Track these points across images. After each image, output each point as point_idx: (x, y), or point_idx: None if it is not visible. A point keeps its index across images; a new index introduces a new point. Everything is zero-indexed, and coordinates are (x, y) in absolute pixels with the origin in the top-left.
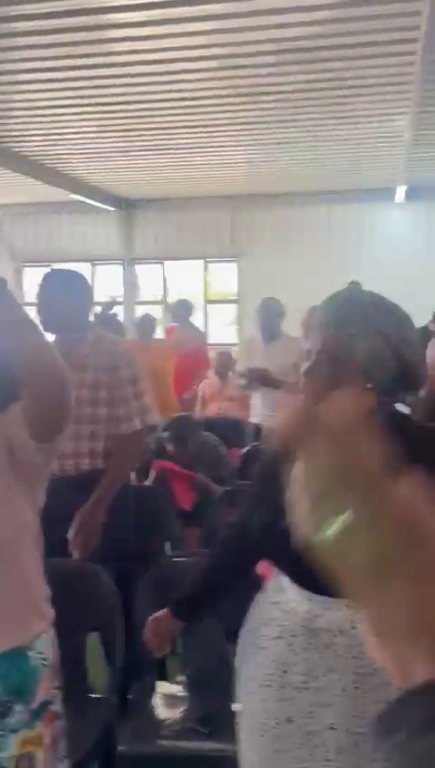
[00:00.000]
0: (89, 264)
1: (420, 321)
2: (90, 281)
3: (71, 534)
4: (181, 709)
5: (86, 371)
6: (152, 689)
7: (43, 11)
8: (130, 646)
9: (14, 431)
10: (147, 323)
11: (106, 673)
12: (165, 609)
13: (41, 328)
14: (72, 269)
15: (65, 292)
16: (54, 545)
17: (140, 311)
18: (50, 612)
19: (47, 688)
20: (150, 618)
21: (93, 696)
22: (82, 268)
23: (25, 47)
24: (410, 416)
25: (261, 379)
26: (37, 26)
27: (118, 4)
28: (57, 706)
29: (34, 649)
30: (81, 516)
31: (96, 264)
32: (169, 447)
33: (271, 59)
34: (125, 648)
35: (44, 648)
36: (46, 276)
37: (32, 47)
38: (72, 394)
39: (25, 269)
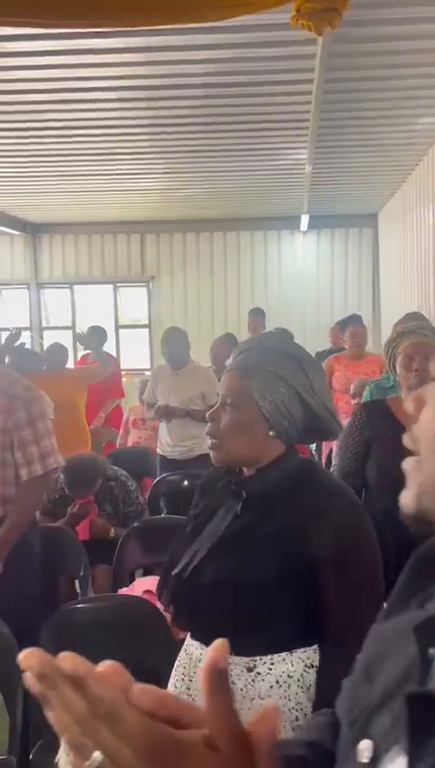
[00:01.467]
0: None
1: (322, 337)
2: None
3: None
4: None
5: None
6: (54, 749)
7: None
8: (30, 703)
9: None
10: (57, 353)
11: (6, 731)
12: None
13: None
14: None
15: None
16: None
17: (48, 336)
18: None
19: None
20: None
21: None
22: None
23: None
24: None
25: (168, 413)
26: None
27: (13, 32)
28: None
29: None
30: None
31: (3, 289)
32: (69, 492)
33: (180, 92)
34: (25, 706)
35: None
36: None
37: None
38: None
39: None
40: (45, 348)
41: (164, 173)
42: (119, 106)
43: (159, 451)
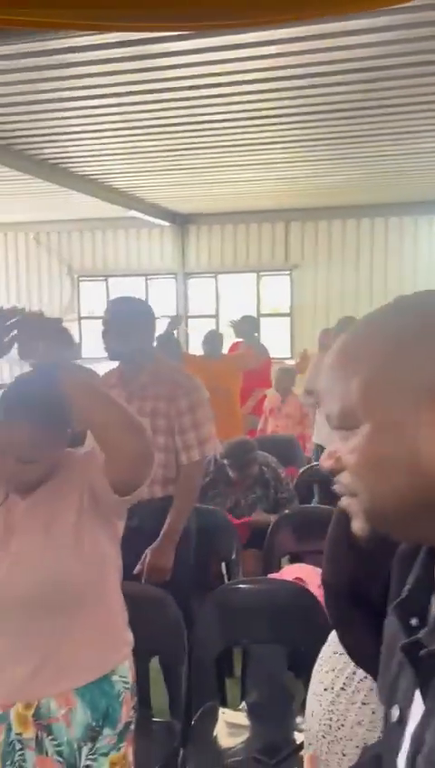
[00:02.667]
0: (143, 279)
1: None
2: (144, 295)
3: (140, 569)
4: (243, 738)
5: (145, 400)
6: (214, 716)
7: (97, 42)
8: (191, 671)
9: (96, 476)
10: (213, 340)
11: (166, 698)
12: None
13: (107, 354)
14: (137, 297)
15: (129, 321)
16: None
17: (192, 325)
18: (130, 637)
19: (129, 710)
20: None
21: (157, 720)
22: (137, 283)
23: (80, 76)
24: None
25: None
26: (94, 56)
27: (166, 35)
28: (134, 725)
29: (117, 674)
30: (152, 556)
31: (150, 279)
32: (232, 474)
33: (331, 79)
34: (188, 675)
35: (126, 671)
36: (113, 303)
37: (85, 76)
38: (150, 460)
39: (82, 283)
40: (183, 336)
41: (313, 160)
42: (269, 96)
43: (315, 440)
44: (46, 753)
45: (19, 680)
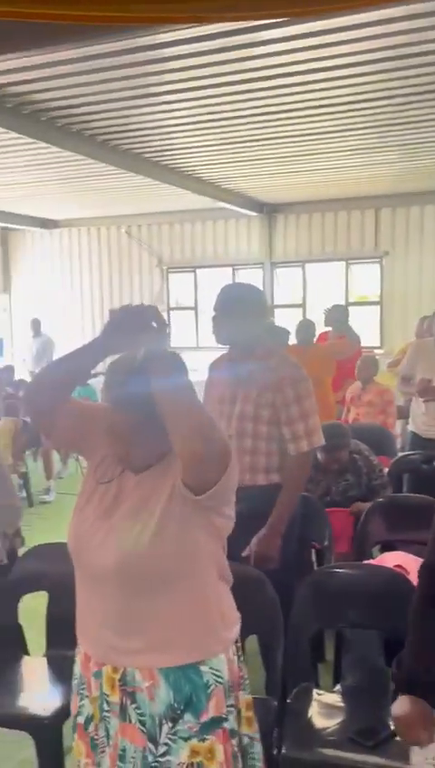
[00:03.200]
0: (230, 269)
1: None
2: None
3: (247, 555)
4: (339, 719)
5: (251, 387)
6: (309, 697)
7: (196, 34)
8: (287, 652)
9: (178, 470)
10: (306, 328)
11: (262, 675)
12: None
13: (214, 338)
14: (250, 284)
15: (241, 307)
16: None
17: (278, 315)
18: (230, 636)
19: (220, 706)
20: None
21: (253, 696)
22: (224, 273)
23: (169, 71)
24: None
25: (430, 391)
26: (181, 51)
27: (259, 23)
28: (233, 725)
29: (208, 665)
30: (258, 545)
31: (237, 269)
32: (321, 458)
33: (421, 60)
34: (284, 653)
35: (220, 666)
36: (224, 289)
37: (174, 71)
38: (218, 455)
39: (171, 275)
40: (269, 326)
41: (404, 144)
42: (358, 81)
43: (410, 428)
44: (129, 720)
45: (107, 644)
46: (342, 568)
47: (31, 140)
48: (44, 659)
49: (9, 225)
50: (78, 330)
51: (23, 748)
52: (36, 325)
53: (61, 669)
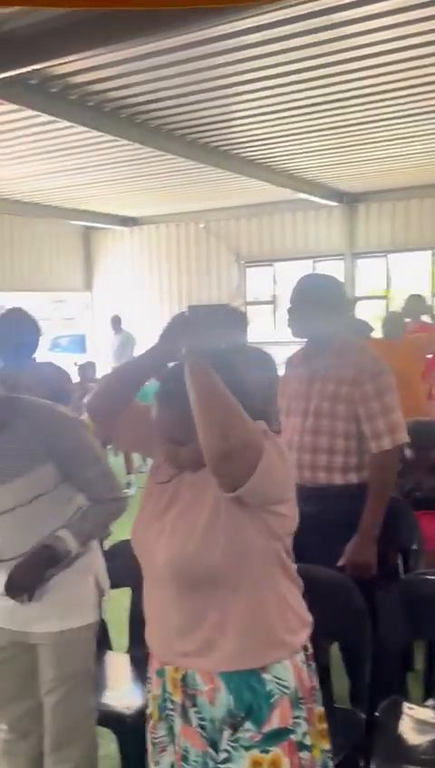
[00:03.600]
0: (310, 262)
1: None
2: None
3: (343, 563)
4: (432, 737)
5: (327, 382)
6: (399, 710)
7: (274, 19)
8: (375, 662)
9: None
10: (394, 321)
11: (346, 685)
12: None
13: (290, 331)
14: (328, 274)
15: (318, 298)
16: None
17: (360, 307)
18: (296, 642)
19: (286, 716)
20: None
21: (339, 707)
22: (304, 266)
23: (245, 59)
24: None
25: None
26: (266, 36)
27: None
28: (301, 737)
29: (272, 673)
30: (352, 553)
31: (317, 261)
32: (409, 453)
33: None
34: (373, 665)
35: (285, 675)
36: (301, 279)
37: (250, 59)
38: (237, 453)
39: (248, 269)
40: (350, 319)
41: None
42: None
43: None
44: (191, 724)
45: (168, 644)
46: (428, 574)
47: (111, 138)
48: (127, 656)
49: (92, 224)
50: (157, 326)
51: (106, 744)
52: (117, 322)
53: (143, 667)
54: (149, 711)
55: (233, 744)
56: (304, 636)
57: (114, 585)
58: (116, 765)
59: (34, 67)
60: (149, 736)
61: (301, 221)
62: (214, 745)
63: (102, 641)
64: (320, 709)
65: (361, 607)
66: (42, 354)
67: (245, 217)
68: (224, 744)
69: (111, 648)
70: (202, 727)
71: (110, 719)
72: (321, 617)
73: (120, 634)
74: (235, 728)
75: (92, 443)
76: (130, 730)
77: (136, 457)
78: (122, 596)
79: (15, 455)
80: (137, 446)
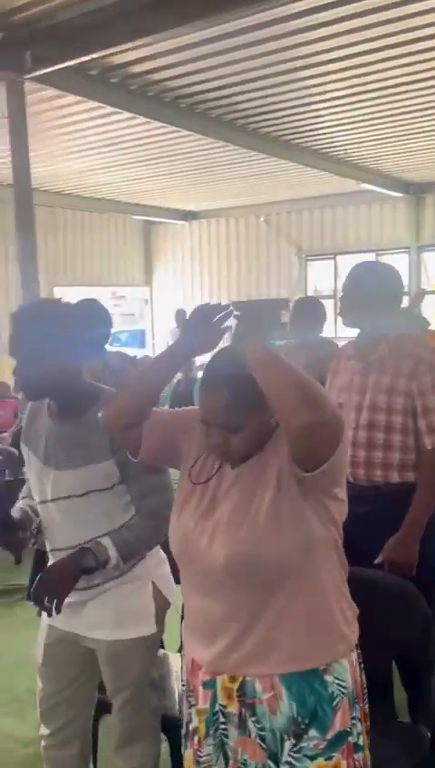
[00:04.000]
0: (373, 255)
1: None
2: None
3: (380, 560)
4: None
5: (383, 375)
6: None
7: (325, 1)
8: None
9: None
10: None
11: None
12: None
13: (342, 321)
14: (384, 263)
15: (371, 288)
16: (360, 553)
17: (428, 301)
18: (353, 635)
19: (345, 718)
20: None
21: (401, 722)
22: (367, 259)
23: (306, 42)
24: None
25: None
26: (320, 18)
27: None
28: (356, 738)
29: (332, 674)
30: (391, 550)
31: (380, 254)
32: None
33: None
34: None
35: (344, 676)
36: (354, 268)
37: (311, 42)
38: (329, 424)
39: (310, 263)
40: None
41: None
42: None
43: None
44: (249, 735)
45: (222, 650)
46: None
47: (172, 129)
48: (178, 656)
49: (151, 219)
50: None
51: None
52: (181, 316)
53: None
54: (193, 726)
55: (296, 755)
56: (356, 628)
57: None
58: (167, 766)
59: (92, 56)
60: (191, 755)
61: (364, 213)
62: (273, 757)
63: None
64: (366, 707)
65: (424, 614)
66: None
67: (306, 210)
68: (285, 756)
69: (162, 647)
70: (262, 738)
71: (163, 721)
72: (381, 625)
73: (171, 634)
74: (298, 737)
75: None
76: (180, 733)
77: None
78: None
79: (83, 443)
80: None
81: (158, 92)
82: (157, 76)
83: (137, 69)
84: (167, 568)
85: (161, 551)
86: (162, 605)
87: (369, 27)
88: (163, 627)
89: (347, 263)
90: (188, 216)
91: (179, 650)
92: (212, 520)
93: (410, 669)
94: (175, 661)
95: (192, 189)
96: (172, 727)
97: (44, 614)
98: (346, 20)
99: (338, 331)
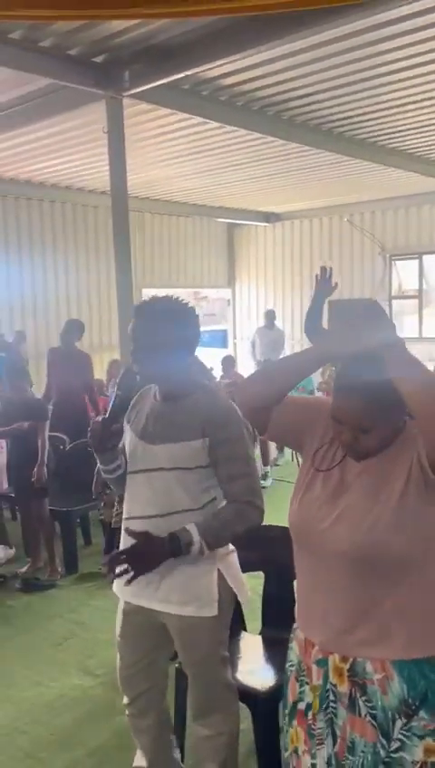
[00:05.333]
0: None
1: None
2: None
3: None
4: None
5: None
6: None
7: (422, 8)
8: None
9: (420, 448)
10: None
11: None
12: None
13: None
14: None
15: None
16: None
17: None
18: None
19: None
20: None
21: None
22: None
23: (386, 51)
24: None
25: None
26: (400, 29)
27: None
28: None
29: None
30: None
31: None
32: None
33: None
34: None
35: None
36: None
37: (391, 50)
38: None
39: (395, 262)
40: None
41: None
42: None
43: None
44: (359, 714)
45: (335, 632)
46: None
47: (259, 135)
48: (259, 637)
49: (235, 221)
50: (299, 322)
51: (243, 718)
52: (271, 317)
53: (274, 649)
54: (306, 702)
55: (406, 734)
56: None
57: (248, 569)
58: (251, 740)
59: (187, 73)
60: (302, 731)
61: None
62: (386, 735)
63: (238, 621)
64: None
65: None
66: None
67: (391, 209)
68: (396, 734)
69: (245, 629)
70: (373, 716)
71: (245, 696)
72: None
73: (253, 617)
74: (409, 717)
75: (247, 442)
76: (264, 706)
77: (273, 450)
78: (253, 581)
79: (177, 423)
80: (286, 437)
81: (246, 102)
82: (245, 87)
83: (226, 82)
84: (235, 560)
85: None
86: (226, 592)
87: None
88: (229, 613)
89: (433, 263)
90: (271, 217)
91: (261, 632)
92: (338, 505)
93: None
94: (255, 642)
95: (276, 192)
96: (254, 700)
97: (122, 589)
98: (422, 30)
99: (423, 331)
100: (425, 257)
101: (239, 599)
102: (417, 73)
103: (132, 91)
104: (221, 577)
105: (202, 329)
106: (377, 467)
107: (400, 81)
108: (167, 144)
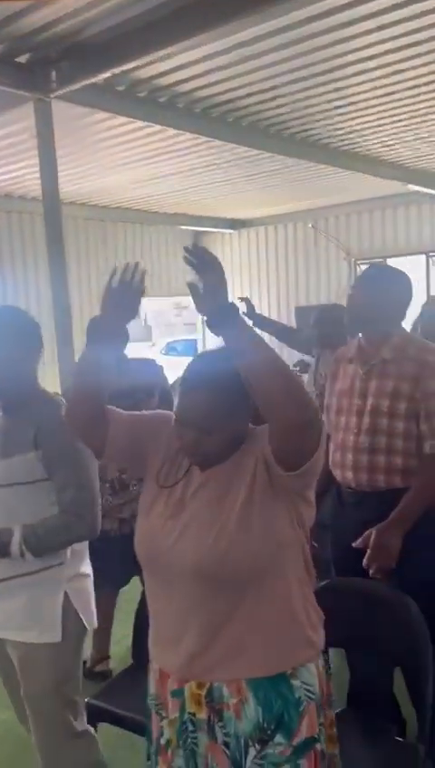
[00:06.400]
0: (423, 257)
1: None
2: (425, 274)
3: (365, 561)
4: None
5: (386, 378)
6: None
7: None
8: None
9: (266, 448)
10: None
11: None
12: None
13: (348, 327)
14: (397, 268)
15: (374, 293)
16: (350, 562)
17: None
18: (319, 640)
19: (313, 725)
20: None
21: (399, 740)
22: (417, 261)
23: (347, 38)
24: None
25: None
26: (350, 16)
27: None
28: (323, 745)
29: (300, 678)
30: (377, 535)
31: (431, 256)
32: None
33: None
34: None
35: (312, 680)
36: (364, 272)
37: (347, 39)
38: (315, 422)
39: (360, 266)
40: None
41: None
42: None
43: None
44: (217, 741)
45: (189, 655)
46: None
47: (205, 139)
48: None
49: (201, 228)
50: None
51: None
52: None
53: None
54: (164, 739)
55: (260, 762)
56: (322, 633)
57: None
58: None
59: (115, 71)
60: (166, 764)
61: (414, 215)
62: (236, 764)
63: (143, 654)
64: (332, 714)
65: (419, 627)
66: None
67: (355, 213)
68: (249, 764)
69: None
70: (226, 744)
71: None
72: (381, 637)
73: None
74: (263, 743)
75: (81, 451)
76: None
77: None
78: None
79: (11, 436)
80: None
81: (187, 104)
82: (185, 87)
83: (164, 81)
84: (87, 585)
85: (87, 567)
86: (74, 620)
87: (409, 19)
88: (77, 647)
89: (398, 266)
90: (237, 224)
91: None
92: (180, 520)
93: (412, 685)
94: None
95: (237, 198)
96: None
97: None
98: (373, 17)
99: None
100: (390, 261)
101: (86, 625)
102: (367, 68)
103: (60, 92)
104: (68, 600)
105: (175, 339)
106: (220, 477)
107: (348, 77)
108: (114, 149)
